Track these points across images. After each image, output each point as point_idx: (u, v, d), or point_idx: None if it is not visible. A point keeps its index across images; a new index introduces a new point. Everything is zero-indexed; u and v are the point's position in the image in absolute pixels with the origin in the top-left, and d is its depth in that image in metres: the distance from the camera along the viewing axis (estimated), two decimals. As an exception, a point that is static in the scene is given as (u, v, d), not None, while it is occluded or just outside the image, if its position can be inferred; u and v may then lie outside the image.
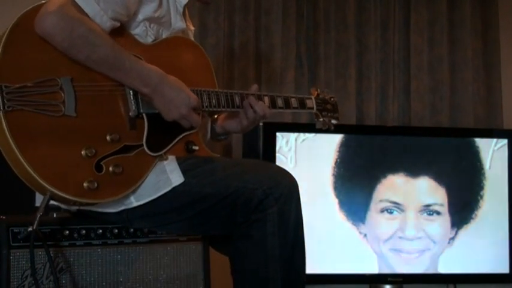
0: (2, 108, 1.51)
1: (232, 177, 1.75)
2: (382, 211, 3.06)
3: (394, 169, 3.08)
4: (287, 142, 2.99)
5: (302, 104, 2.10)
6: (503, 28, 3.57)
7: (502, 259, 3.16)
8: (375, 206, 3.05)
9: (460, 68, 3.50)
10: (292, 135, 2.99)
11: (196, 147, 1.83)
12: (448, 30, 3.49)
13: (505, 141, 3.18)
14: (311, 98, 2.14)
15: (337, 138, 3.03)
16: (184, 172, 1.74)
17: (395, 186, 3.07)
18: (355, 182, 3.05)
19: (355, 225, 3.04)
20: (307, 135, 3.00)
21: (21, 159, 1.52)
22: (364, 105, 3.41)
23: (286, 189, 1.75)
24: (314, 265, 2.90)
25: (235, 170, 1.78)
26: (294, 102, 2.08)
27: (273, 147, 2.98)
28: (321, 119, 2.15)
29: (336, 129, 2.21)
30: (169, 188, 1.72)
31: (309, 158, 3.01)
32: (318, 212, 2.97)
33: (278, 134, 2.98)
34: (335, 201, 3.03)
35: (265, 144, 2.96)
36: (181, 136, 1.81)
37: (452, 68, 3.50)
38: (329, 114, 2.16)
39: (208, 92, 1.88)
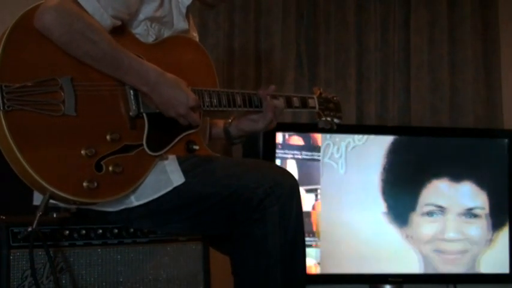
0: (2, 108, 1.51)
1: (233, 177, 1.75)
2: (425, 214, 3.10)
3: (438, 174, 3.12)
4: (338, 149, 3.03)
5: (304, 103, 2.10)
6: (503, 28, 3.56)
7: (502, 259, 3.16)
8: (420, 209, 3.10)
9: (460, 68, 3.49)
10: (343, 143, 3.03)
11: (197, 147, 1.83)
12: (448, 30, 3.48)
13: (505, 141, 3.18)
14: (313, 97, 2.14)
15: (384, 145, 3.07)
16: (185, 172, 1.74)
17: (439, 191, 3.12)
18: (402, 187, 3.10)
19: (399, 227, 3.08)
20: (357, 142, 3.05)
21: (21, 159, 1.52)
22: (364, 105, 3.40)
23: (287, 188, 1.75)
24: (355, 266, 2.99)
25: (236, 169, 1.78)
26: (295, 101, 2.08)
27: (273, 147, 2.98)
28: (324, 118, 2.14)
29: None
30: (170, 188, 1.72)
31: (358, 164, 3.05)
32: (365, 215, 3.04)
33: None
34: (383, 204, 3.07)
35: (265, 144, 2.96)
36: (181, 136, 1.80)
37: (452, 68, 3.49)
38: (332, 114, 2.16)
39: (209, 91, 1.87)
